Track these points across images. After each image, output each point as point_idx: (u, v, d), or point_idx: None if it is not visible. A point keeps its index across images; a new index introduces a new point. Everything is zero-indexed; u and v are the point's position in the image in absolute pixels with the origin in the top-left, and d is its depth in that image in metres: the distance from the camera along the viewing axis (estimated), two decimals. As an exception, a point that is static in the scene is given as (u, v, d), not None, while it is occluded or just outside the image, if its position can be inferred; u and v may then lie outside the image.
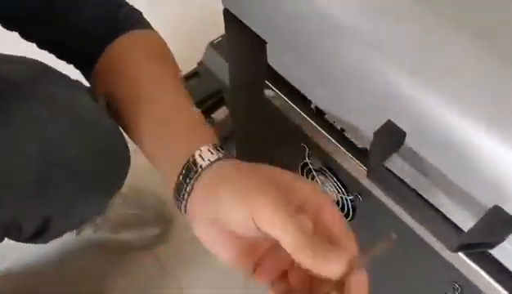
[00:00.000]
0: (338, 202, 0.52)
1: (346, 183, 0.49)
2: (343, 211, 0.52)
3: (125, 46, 0.44)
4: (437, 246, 0.40)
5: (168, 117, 0.39)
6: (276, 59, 0.45)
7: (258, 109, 0.55)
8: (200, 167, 0.34)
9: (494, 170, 0.32)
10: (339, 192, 0.50)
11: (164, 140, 0.38)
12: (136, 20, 0.46)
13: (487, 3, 0.35)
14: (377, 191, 0.43)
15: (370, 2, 0.36)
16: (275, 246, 0.32)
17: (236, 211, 0.30)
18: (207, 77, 1.06)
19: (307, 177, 0.54)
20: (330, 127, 0.46)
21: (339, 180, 0.49)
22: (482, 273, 0.38)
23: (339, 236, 0.30)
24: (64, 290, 0.82)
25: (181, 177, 0.35)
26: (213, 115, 1.03)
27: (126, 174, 0.48)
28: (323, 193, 0.32)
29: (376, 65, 0.35)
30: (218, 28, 1.12)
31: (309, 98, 0.44)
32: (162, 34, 0.46)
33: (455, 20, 0.34)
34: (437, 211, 0.33)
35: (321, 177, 0.52)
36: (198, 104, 1.01)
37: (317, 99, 0.43)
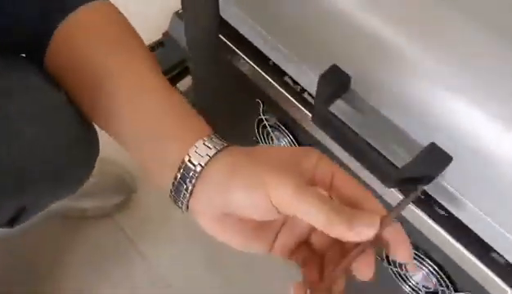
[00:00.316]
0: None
1: (300, 138, 0.49)
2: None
3: (80, 25, 0.38)
4: (381, 191, 0.41)
5: (150, 103, 0.35)
6: (228, 10, 0.45)
7: (213, 65, 0.55)
8: (200, 164, 0.31)
9: (429, 109, 0.33)
10: (292, 145, 0.51)
11: (147, 131, 0.35)
12: None
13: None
14: (327, 141, 0.44)
15: None
16: (289, 219, 0.32)
17: (253, 201, 0.29)
18: (172, 47, 1.05)
19: (263, 133, 0.55)
20: (284, 83, 0.47)
21: (293, 135, 0.50)
22: (422, 214, 0.40)
23: (360, 199, 0.30)
24: (23, 260, 0.81)
25: (178, 178, 0.32)
26: (178, 85, 1.02)
27: (97, 156, 0.46)
28: (330, 161, 0.31)
29: (322, 10, 0.36)
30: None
31: (260, 48, 0.44)
32: (126, 5, 0.42)
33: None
34: (377, 151, 0.34)
35: (276, 133, 0.52)
36: (163, 74, 1.01)
37: (269, 48, 0.43)
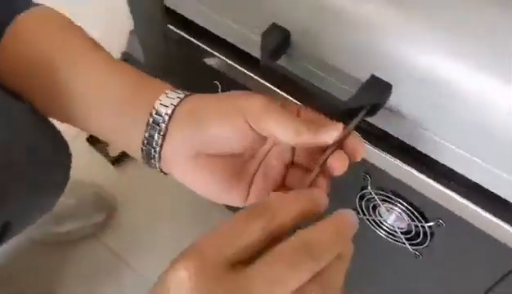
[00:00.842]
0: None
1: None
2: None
3: (30, 27, 0.38)
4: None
5: (108, 75, 0.36)
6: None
7: (164, 52, 0.57)
8: (172, 104, 0.33)
9: (368, 42, 0.35)
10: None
11: (111, 99, 0.36)
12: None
13: None
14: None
15: None
16: (263, 163, 0.35)
17: (230, 127, 0.31)
18: (133, 65, 1.07)
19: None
20: (244, 60, 0.48)
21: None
22: (385, 155, 0.42)
23: (321, 120, 0.33)
24: (13, 290, 0.80)
25: (147, 132, 0.33)
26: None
27: (70, 165, 0.47)
28: None
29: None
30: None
31: (207, 27, 0.47)
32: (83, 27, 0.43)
33: None
34: (324, 90, 0.36)
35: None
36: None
37: (213, 24, 0.46)
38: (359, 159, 0.33)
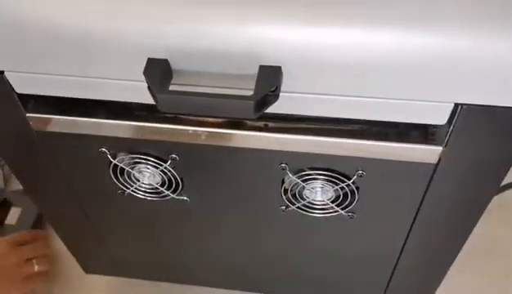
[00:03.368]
0: (163, 180, 0.53)
1: (159, 154, 0.50)
2: (172, 185, 0.54)
3: None
4: (253, 140, 0.45)
5: None
6: (21, 83, 0.44)
7: (37, 152, 0.52)
8: None
9: (253, 36, 0.38)
10: (157, 167, 0.51)
11: None
12: None
13: None
14: (181, 135, 0.46)
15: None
16: None
17: None
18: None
19: (125, 179, 0.54)
20: (116, 113, 0.46)
21: (151, 156, 0.50)
22: (293, 136, 0.45)
23: None
24: None
25: None
26: (6, 221, 0.92)
27: None
28: None
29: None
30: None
31: (79, 96, 0.44)
32: None
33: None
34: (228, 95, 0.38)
35: (138, 167, 0.52)
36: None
37: (87, 90, 0.44)
38: None
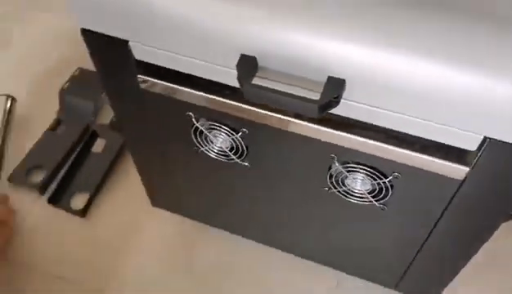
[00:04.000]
0: (232, 146, 0.65)
1: (232, 125, 0.61)
2: (238, 151, 0.65)
3: None
4: (311, 131, 0.55)
5: None
6: (140, 51, 0.56)
7: (138, 104, 0.64)
8: None
9: (322, 55, 0.47)
10: (229, 135, 0.63)
11: None
12: None
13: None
14: (254, 115, 0.56)
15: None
16: None
17: None
18: (70, 119, 1.11)
19: (201, 138, 0.66)
20: (203, 87, 0.58)
21: (226, 125, 0.62)
22: (345, 134, 0.54)
23: None
24: None
25: None
26: (92, 149, 1.08)
27: None
28: None
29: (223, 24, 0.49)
30: (62, 77, 1.18)
31: (182, 70, 0.56)
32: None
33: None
34: (297, 96, 0.47)
35: (213, 132, 0.64)
36: (74, 145, 1.06)
37: (187, 66, 0.55)
38: None
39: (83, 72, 1.14)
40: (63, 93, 1.10)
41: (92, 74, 1.10)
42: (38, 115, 1.11)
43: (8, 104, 1.10)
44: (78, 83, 1.12)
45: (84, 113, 1.09)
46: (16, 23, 1.32)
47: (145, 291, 0.90)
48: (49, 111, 1.10)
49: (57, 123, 1.09)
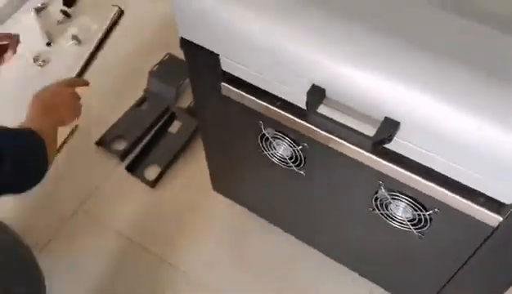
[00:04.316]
0: (292, 155, 0.73)
1: (295, 138, 0.69)
2: (296, 161, 0.73)
3: None
4: (363, 157, 0.61)
5: None
6: (227, 64, 0.65)
7: (217, 105, 0.74)
8: None
9: (378, 98, 0.53)
10: (291, 146, 0.70)
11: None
12: None
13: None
14: (315, 134, 0.64)
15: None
16: None
17: None
18: (155, 99, 1.24)
19: (266, 144, 0.74)
20: (277, 103, 0.66)
21: (289, 137, 0.70)
22: (394, 166, 0.60)
23: None
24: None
25: None
26: (169, 129, 1.20)
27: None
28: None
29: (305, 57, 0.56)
30: (152, 60, 1.31)
31: (260, 86, 0.64)
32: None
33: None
34: (354, 129, 0.54)
35: (277, 140, 0.72)
36: (155, 122, 1.19)
37: (265, 83, 0.63)
38: None
39: (171, 57, 1.26)
40: (152, 74, 1.23)
41: (179, 61, 1.22)
42: (128, 89, 1.25)
43: (115, 14, 1.30)
44: (165, 67, 1.24)
45: (167, 95, 1.21)
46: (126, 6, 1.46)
47: (195, 263, 1.01)
48: (138, 88, 1.24)
49: (143, 100, 1.22)
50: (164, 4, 1.39)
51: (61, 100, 0.74)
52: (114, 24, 1.32)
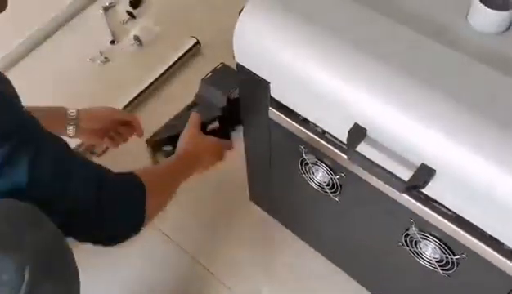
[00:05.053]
0: (329, 182, 0.76)
1: (333, 167, 0.72)
2: (333, 188, 0.76)
3: None
4: (396, 196, 0.64)
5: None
6: (277, 92, 0.69)
7: (264, 127, 0.78)
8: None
9: (418, 144, 0.55)
10: (328, 174, 0.73)
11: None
12: None
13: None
14: (353, 167, 0.66)
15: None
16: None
17: (104, 113, 0.94)
18: (204, 105, 1.30)
19: (306, 168, 0.77)
20: (318, 133, 0.69)
21: (327, 166, 0.73)
22: (425, 208, 0.62)
23: None
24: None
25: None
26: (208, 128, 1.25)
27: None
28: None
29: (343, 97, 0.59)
30: (205, 69, 1.37)
31: (304, 116, 0.67)
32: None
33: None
34: (390, 171, 0.57)
35: (316, 167, 0.75)
36: (204, 126, 1.24)
37: (310, 115, 0.66)
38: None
39: (224, 67, 1.31)
40: (204, 81, 1.29)
41: (232, 71, 1.27)
42: (182, 93, 1.31)
43: (191, 45, 1.39)
44: (218, 76, 1.29)
45: (217, 103, 1.27)
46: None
47: (229, 261, 1.06)
48: (191, 92, 1.30)
49: (193, 105, 1.28)
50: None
51: (204, 148, 0.87)
52: (187, 52, 1.40)
